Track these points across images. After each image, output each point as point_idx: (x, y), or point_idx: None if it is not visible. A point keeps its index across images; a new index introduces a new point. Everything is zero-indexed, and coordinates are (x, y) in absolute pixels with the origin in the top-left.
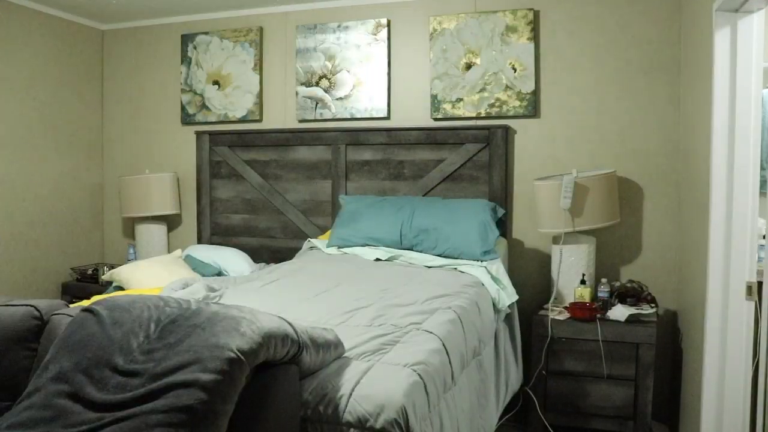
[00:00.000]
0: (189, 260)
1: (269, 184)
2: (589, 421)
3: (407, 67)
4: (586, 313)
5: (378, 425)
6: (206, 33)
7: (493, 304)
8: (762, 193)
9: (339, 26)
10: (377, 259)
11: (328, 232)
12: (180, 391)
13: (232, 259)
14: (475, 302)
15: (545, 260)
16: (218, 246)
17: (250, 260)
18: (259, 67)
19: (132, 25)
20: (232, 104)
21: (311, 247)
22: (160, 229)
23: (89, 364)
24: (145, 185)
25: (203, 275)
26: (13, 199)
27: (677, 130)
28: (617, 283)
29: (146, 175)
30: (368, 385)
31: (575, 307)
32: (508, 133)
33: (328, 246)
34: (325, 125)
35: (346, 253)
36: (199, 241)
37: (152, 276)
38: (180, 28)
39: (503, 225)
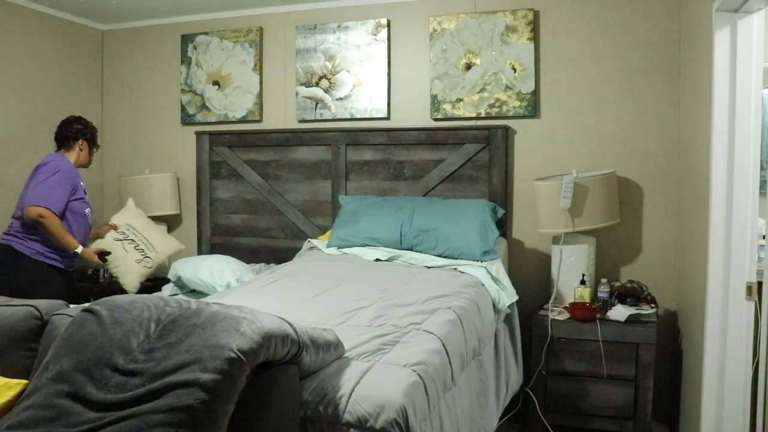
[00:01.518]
0: (180, 282)
1: (269, 184)
2: (589, 421)
3: (407, 67)
4: (586, 313)
5: (378, 425)
6: (206, 33)
7: (493, 305)
8: (762, 193)
9: (339, 26)
10: (377, 260)
11: (328, 233)
12: (180, 391)
13: (216, 267)
14: (475, 302)
15: (545, 260)
16: (205, 256)
17: (239, 265)
18: (259, 67)
19: (132, 25)
20: (232, 104)
21: (311, 248)
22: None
23: (89, 364)
24: (145, 185)
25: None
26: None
27: (677, 130)
28: (617, 283)
29: (146, 176)
30: (368, 385)
31: (575, 308)
32: (508, 133)
33: (328, 246)
34: (325, 125)
35: (346, 253)
36: (199, 241)
37: None
38: (180, 28)
39: (503, 225)
